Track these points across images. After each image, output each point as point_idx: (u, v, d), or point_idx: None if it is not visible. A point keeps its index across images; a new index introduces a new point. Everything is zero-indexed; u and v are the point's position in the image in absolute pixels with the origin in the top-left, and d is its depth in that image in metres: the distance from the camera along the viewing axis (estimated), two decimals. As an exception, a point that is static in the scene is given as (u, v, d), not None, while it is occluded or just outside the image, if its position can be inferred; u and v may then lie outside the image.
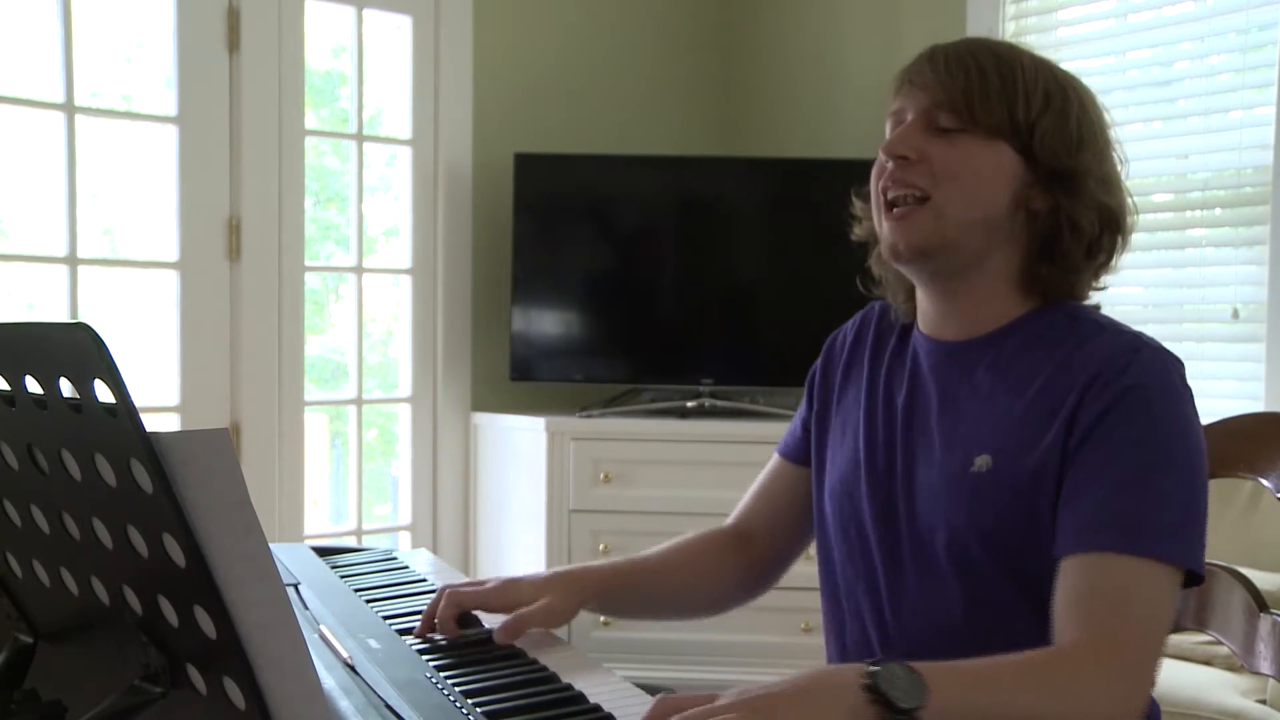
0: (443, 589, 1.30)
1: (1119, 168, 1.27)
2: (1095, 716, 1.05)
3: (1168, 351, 1.19)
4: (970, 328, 1.26)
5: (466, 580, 1.34)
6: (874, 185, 1.27)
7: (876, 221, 1.28)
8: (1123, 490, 1.11)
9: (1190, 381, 1.18)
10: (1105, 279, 1.29)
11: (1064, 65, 1.28)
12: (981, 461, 1.19)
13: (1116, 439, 1.13)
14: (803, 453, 1.43)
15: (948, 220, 1.21)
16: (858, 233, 1.36)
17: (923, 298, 1.31)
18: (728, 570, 1.46)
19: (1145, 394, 1.14)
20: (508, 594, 1.30)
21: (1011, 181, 1.22)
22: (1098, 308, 1.29)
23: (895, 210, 1.23)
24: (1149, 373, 1.15)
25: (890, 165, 1.23)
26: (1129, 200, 1.27)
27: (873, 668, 0.97)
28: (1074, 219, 1.22)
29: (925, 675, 0.97)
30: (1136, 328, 1.22)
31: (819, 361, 1.44)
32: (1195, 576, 1.14)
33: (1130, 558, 1.09)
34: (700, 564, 1.45)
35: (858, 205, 1.36)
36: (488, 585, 1.32)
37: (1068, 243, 1.23)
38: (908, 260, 1.25)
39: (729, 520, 1.49)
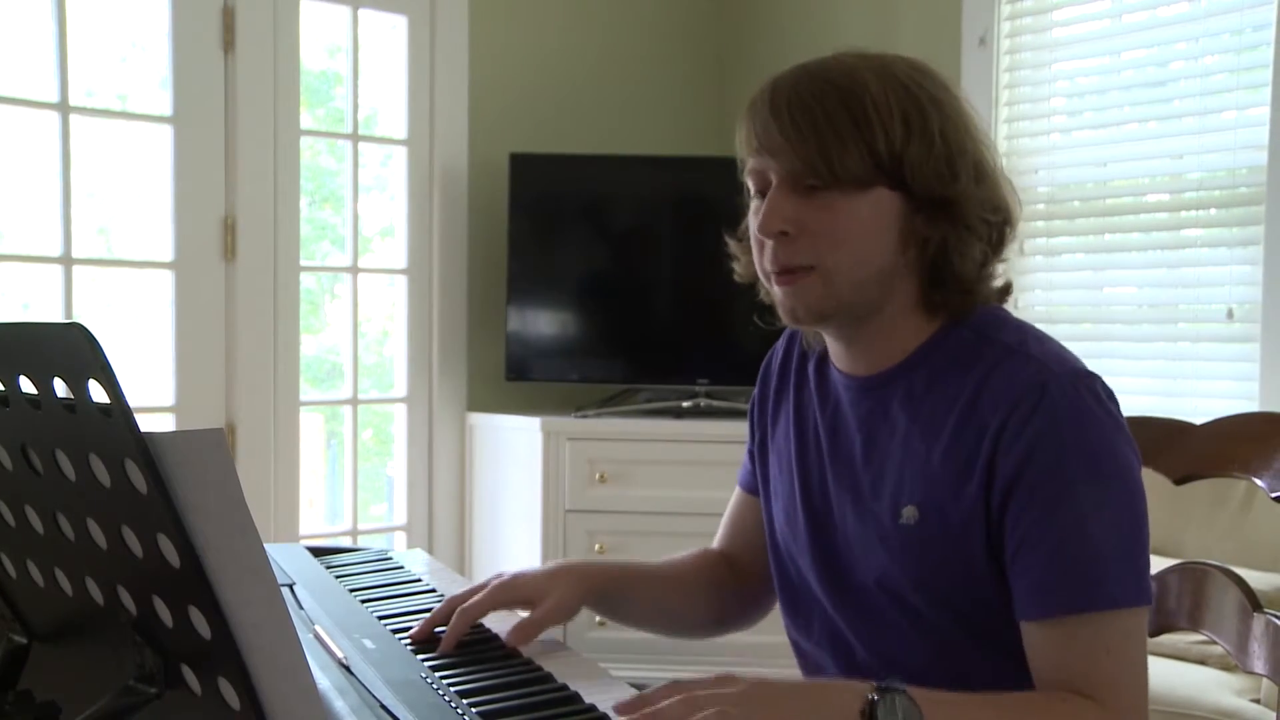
0: (449, 600, 1.28)
1: (993, 156, 1.22)
2: None
3: (1080, 373, 1.13)
4: (879, 361, 1.23)
5: (465, 589, 1.32)
6: (757, 261, 1.23)
7: (766, 289, 1.24)
8: (1065, 547, 1.09)
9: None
10: (1003, 269, 1.24)
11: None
12: (909, 513, 1.17)
13: (1043, 494, 1.10)
14: (756, 483, 1.41)
15: (838, 284, 1.17)
16: (740, 272, 1.31)
17: (827, 337, 1.28)
18: (725, 589, 1.44)
19: (1059, 437, 1.10)
20: (514, 589, 1.29)
21: (894, 222, 1.17)
22: (1007, 290, 1.25)
23: (782, 277, 1.19)
24: (1059, 409, 1.10)
25: (770, 244, 1.19)
26: (1012, 191, 1.22)
27: (874, 696, 0.96)
28: (962, 246, 1.18)
29: (925, 710, 0.96)
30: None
31: (756, 389, 1.41)
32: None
33: (1092, 614, 1.08)
34: (702, 580, 1.43)
35: (733, 245, 1.31)
36: (488, 586, 1.30)
37: (959, 266, 1.18)
38: (806, 323, 1.22)
39: (714, 544, 1.47)
